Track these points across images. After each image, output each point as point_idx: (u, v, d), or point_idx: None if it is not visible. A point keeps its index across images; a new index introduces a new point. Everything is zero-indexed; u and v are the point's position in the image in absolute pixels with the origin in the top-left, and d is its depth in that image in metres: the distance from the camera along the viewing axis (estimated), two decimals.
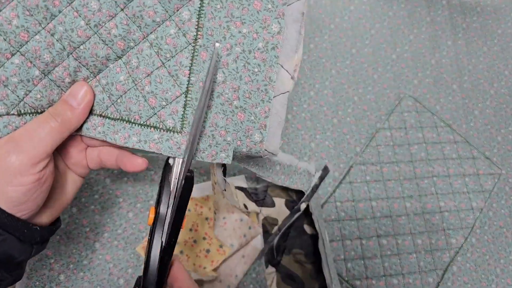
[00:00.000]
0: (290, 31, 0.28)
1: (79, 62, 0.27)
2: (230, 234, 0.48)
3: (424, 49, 0.65)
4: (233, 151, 0.30)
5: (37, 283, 0.43)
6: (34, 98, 0.26)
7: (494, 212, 0.57)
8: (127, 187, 0.49)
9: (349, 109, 0.59)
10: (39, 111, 0.27)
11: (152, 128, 0.29)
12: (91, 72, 0.28)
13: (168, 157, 0.29)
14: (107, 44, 0.27)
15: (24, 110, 0.26)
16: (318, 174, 0.52)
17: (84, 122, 0.29)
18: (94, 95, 0.28)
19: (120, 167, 0.31)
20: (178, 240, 0.33)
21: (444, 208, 0.55)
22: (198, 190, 0.50)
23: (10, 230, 0.25)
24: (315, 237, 0.51)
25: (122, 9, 0.26)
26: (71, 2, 0.25)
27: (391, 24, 0.65)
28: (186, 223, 0.48)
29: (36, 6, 0.24)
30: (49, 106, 0.27)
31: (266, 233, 0.50)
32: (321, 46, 0.62)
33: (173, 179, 0.28)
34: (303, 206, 0.49)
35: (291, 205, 0.52)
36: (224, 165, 0.35)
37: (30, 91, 0.26)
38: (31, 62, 0.25)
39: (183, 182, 0.28)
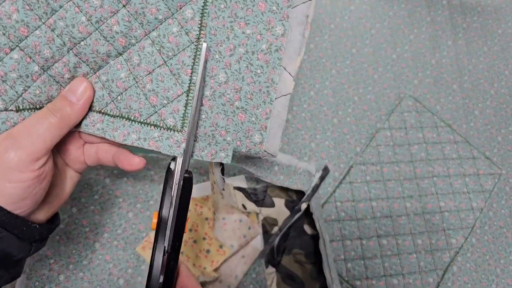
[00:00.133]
0: (294, 33, 0.27)
1: (79, 58, 0.27)
2: (230, 235, 0.48)
3: (424, 49, 0.65)
4: (233, 151, 0.30)
5: (37, 283, 0.43)
6: (33, 94, 0.26)
7: (494, 212, 0.57)
8: (127, 187, 0.49)
9: (349, 109, 0.59)
10: (37, 107, 0.27)
11: (152, 126, 0.29)
12: (91, 68, 0.28)
13: (170, 162, 0.29)
14: (108, 41, 0.27)
15: (23, 106, 0.26)
16: (318, 174, 0.52)
17: (83, 118, 0.28)
18: (94, 91, 0.28)
19: (118, 165, 0.31)
20: None
21: (444, 208, 0.55)
22: (198, 190, 0.50)
23: (8, 228, 0.25)
24: (315, 237, 0.51)
25: (124, 6, 0.26)
26: None
27: (392, 24, 0.65)
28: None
29: (36, 1, 0.24)
30: (48, 102, 0.27)
31: (266, 234, 0.50)
32: (321, 46, 0.62)
33: (174, 183, 0.28)
34: (303, 206, 0.49)
35: (291, 205, 0.52)
36: (222, 164, 0.35)
37: (29, 87, 0.26)
38: (30, 57, 0.25)
39: (181, 183, 0.28)
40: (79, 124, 0.29)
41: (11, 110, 0.26)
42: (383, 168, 0.56)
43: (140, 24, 0.26)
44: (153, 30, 0.27)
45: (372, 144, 0.57)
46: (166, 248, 0.27)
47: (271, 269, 0.49)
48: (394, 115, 0.59)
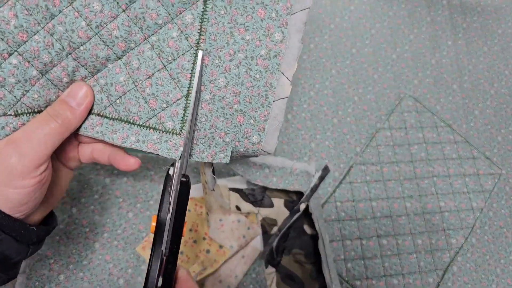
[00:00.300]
0: (292, 40, 0.28)
1: (78, 62, 0.27)
2: (228, 235, 0.48)
3: (424, 49, 0.65)
4: (231, 151, 0.30)
5: (37, 283, 0.43)
6: (32, 98, 0.26)
7: (494, 212, 0.57)
8: (127, 187, 0.49)
9: (349, 109, 0.59)
10: (36, 110, 0.27)
11: (151, 129, 0.29)
12: (89, 72, 0.28)
13: (169, 168, 0.29)
14: (107, 45, 0.27)
15: (21, 110, 0.26)
16: (318, 174, 0.52)
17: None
18: (94, 96, 0.28)
19: (113, 165, 0.31)
20: None
21: (444, 208, 0.55)
22: (197, 190, 0.50)
23: (7, 230, 0.25)
24: (315, 237, 0.51)
25: (124, 10, 0.26)
26: (72, 2, 0.25)
27: (391, 24, 0.65)
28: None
29: (35, 6, 0.24)
30: (46, 105, 0.27)
31: (265, 234, 0.50)
32: (321, 46, 0.62)
33: (172, 187, 0.28)
34: (302, 206, 0.49)
35: (291, 205, 0.52)
36: (213, 165, 0.35)
37: (27, 91, 0.26)
38: (29, 62, 0.25)
39: (178, 186, 0.28)
40: (78, 127, 0.29)
41: (10, 114, 0.26)
42: (383, 168, 0.56)
43: (139, 28, 0.27)
44: (152, 34, 0.27)
45: (372, 144, 0.57)
46: (164, 252, 0.27)
47: (271, 269, 0.49)
48: (394, 115, 0.59)
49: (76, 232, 0.46)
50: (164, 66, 0.28)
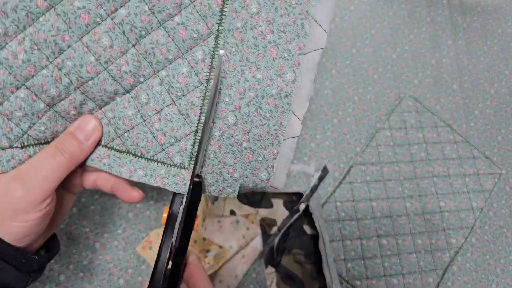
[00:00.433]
0: (304, 80, 0.27)
1: (86, 96, 0.26)
2: (228, 236, 0.48)
3: (424, 49, 0.65)
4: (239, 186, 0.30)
5: (37, 283, 0.43)
6: (38, 130, 0.26)
7: (494, 212, 0.57)
8: None
9: (349, 109, 0.59)
10: (42, 142, 0.26)
11: (159, 163, 0.29)
12: (97, 105, 0.27)
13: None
14: (116, 80, 0.26)
15: (28, 142, 0.26)
16: (318, 174, 0.52)
17: None
18: (102, 130, 0.28)
19: (115, 195, 0.31)
20: None
21: (444, 208, 0.55)
22: None
23: (7, 260, 0.25)
24: (315, 237, 0.51)
25: (133, 45, 0.25)
26: (81, 37, 0.24)
27: (391, 24, 0.65)
28: None
29: (44, 41, 0.23)
30: (53, 137, 0.27)
31: (265, 234, 0.50)
32: None
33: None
34: (302, 206, 0.49)
35: (290, 205, 0.52)
36: None
37: (34, 124, 0.25)
38: (36, 95, 0.25)
39: (191, 187, 0.28)
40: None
41: (16, 147, 0.25)
42: (383, 168, 0.56)
43: (149, 63, 0.26)
44: (162, 69, 0.27)
45: (372, 144, 0.57)
46: (173, 244, 0.28)
47: (271, 269, 0.49)
48: (394, 115, 0.59)
49: (76, 232, 0.46)
50: (173, 102, 0.27)
